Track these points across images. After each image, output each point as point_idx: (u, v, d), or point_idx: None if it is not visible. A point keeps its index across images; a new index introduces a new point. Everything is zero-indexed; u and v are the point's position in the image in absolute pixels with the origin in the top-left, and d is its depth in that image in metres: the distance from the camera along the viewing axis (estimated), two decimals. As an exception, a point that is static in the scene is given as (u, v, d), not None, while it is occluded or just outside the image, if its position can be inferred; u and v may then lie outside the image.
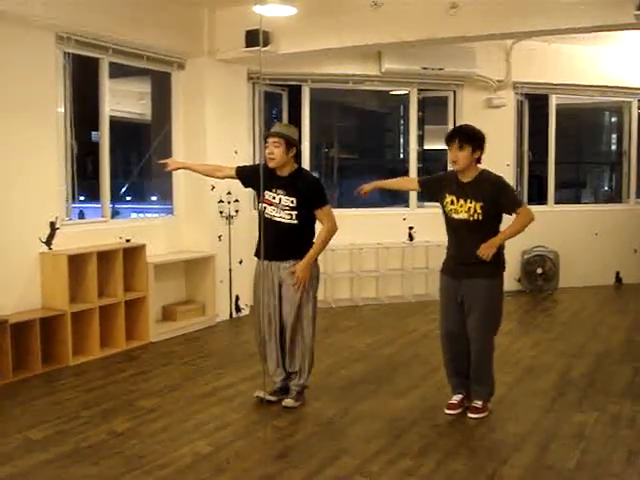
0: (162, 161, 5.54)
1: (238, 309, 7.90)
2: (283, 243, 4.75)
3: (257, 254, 4.93)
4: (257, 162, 8.12)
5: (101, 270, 6.27)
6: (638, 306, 8.65)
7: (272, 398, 4.88)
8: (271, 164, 4.77)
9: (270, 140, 4.77)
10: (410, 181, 4.87)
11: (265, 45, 6.94)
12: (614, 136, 11.12)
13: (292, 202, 4.71)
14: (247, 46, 7.07)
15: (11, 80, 5.78)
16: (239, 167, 5.20)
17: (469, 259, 4.48)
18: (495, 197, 4.44)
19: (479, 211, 4.42)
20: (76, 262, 6.09)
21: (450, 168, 4.73)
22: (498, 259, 4.52)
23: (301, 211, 4.72)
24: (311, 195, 4.76)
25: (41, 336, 5.72)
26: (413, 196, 9.16)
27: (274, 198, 4.77)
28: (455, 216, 4.54)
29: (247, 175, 5.06)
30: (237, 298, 7.85)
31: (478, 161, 4.55)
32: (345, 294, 8.75)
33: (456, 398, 4.76)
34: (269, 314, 4.87)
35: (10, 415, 4.75)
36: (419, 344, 6.72)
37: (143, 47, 6.97)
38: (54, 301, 5.97)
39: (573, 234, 9.57)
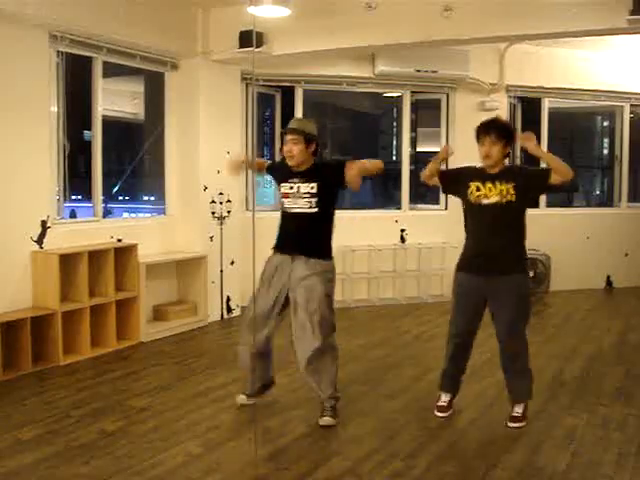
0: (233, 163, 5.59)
1: (229, 310, 7.88)
2: (301, 236, 4.58)
3: (276, 247, 4.71)
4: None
5: (92, 269, 6.25)
6: (629, 309, 8.68)
7: (251, 401, 4.82)
8: (291, 162, 4.60)
9: (288, 137, 4.58)
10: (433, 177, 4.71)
11: (259, 46, 6.93)
12: (606, 140, 11.15)
13: (312, 188, 4.53)
14: (241, 47, 7.07)
15: (3, 79, 5.76)
16: (269, 163, 5.28)
17: (498, 248, 4.39)
18: (527, 177, 4.42)
19: (512, 192, 4.32)
20: (67, 261, 6.06)
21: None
22: (523, 253, 4.52)
23: (322, 197, 4.53)
24: (333, 169, 4.58)
25: (32, 335, 5.69)
26: (405, 198, 9.17)
27: (291, 188, 4.61)
28: (485, 201, 4.39)
29: (273, 168, 5.05)
30: (228, 299, 7.84)
31: (507, 156, 4.49)
32: (337, 296, 8.64)
33: (445, 399, 4.73)
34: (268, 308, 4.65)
35: (0, 414, 4.72)
36: (411, 346, 6.72)
37: (137, 47, 6.95)
38: (45, 300, 5.95)
39: (565, 237, 9.59)
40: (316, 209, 4.54)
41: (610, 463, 3.97)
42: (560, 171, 4.28)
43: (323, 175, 4.56)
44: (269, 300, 4.65)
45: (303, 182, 4.57)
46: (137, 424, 4.56)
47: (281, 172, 4.75)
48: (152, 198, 8.52)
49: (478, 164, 4.53)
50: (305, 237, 4.60)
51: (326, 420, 4.54)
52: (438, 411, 4.70)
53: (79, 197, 7.55)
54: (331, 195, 4.61)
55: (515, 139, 4.58)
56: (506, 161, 4.53)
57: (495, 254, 4.41)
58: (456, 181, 4.62)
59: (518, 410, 4.58)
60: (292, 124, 4.65)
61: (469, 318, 4.58)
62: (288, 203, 4.64)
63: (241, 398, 4.88)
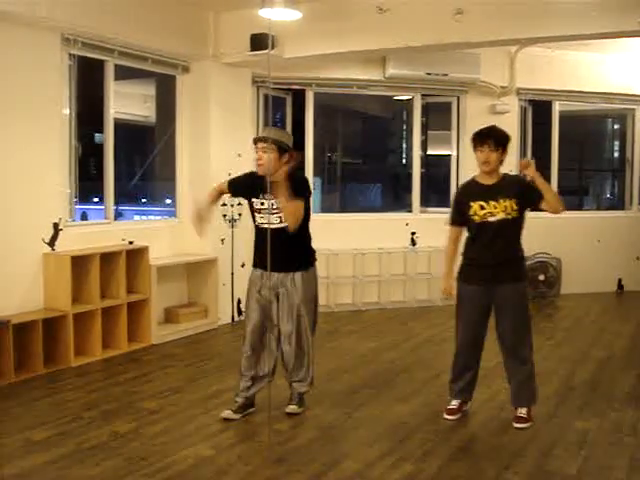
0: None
1: (240, 312, 7.88)
2: (279, 252, 4.41)
3: (255, 264, 4.73)
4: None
5: (104, 272, 6.27)
6: (640, 313, 8.65)
7: (236, 416, 4.66)
8: (260, 171, 4.47)
9: (258, 145, 4.48)
10: (456, 237, 4.75)
11: (270, 49, 6.95)
12: (617, 143, 11.11)
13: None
14: (252, 50, 7.09)
15: (16, 81, 5.79)
16: (229, 180, 4.91)
17: (502, 260, 4.48)
18: (523, 191, 4.45)
19: (515, 207, 4.41)
20: (79, 263, 6.09)
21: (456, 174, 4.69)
22: (523, 263, 4.59)
23: None
24: (295, 188, 4.45)
25: (43, 337, 5.72)
26: (416, 201, 9.16)
27: (262, 204, 4.55)
28: (491, 219, 4.44)
29: (236, 185, 4.83)
30: (239, 301, 7.84)
31: (501, 163, 4.55)
32: (347, 299, 8.74)
33: (455, 403, 4.74)
34: (259, 324, 4.70)
35: (12, 416, 4.75)
36: (421, 349, 6.71)
37: (148, 50, 6.98)
38: (56, 302, 5.98)
39: (575, 241, 9.56)
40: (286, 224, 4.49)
41: (622, 468, 3.95)
42: (551, 204, 4.40)
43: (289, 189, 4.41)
44: (260, 316, 4.70)
45: (273, 198, 4.47)
46: (148, 426, 4.57)
47: (251, 186, 4.61)
48: (163, 200, 8.55)
49: (472, 173, 4.65)
50: (283, 253, 4.52)
51: (292, 408, 4.76)
52: (448, 414, 4.70)
53: (91, 199, 7.58)
54: (307, 209, 4.57)
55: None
56: (501, 168, 4.59)
57: (499, 265, 4.50)
58: (461, 213, 4.63)
59: (522, 411, 4.60)
60: (264, 132, 4.56)
61: (477, 328, 4.62)
62: (260, 219, 4.59)
63: (227, 413, 4.70)
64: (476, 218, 4.51)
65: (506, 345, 4.60)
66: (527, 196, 4.46)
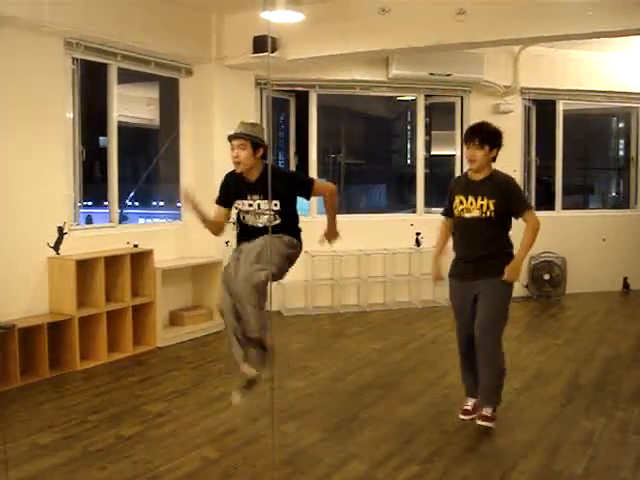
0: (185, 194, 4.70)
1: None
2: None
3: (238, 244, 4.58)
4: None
5: (109, 275, 6.28)
6: (646, 312, 8.63)
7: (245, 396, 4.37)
8: (238, 169, 4.45)
9: (234, 142, 4.43)
10: (447, 228, 4.75)
11: (273, 51, 6.96)
12: (622, 142, 11.09)
13: (275, 205, 4.41)
14: (255, 52, 7.09)
15: (20, 85, 5.81)
16: (218, 200, 4.71)
17: (479, 257, 4.49)
18: (506, 195, 4.44)
19: (492, 208, 4.40)
20: (84, 267, 6.10)
21: (456, 173, 4.69)
22: (508, 259, 4.50)
23: (286, 209, 4.45)
24: (294, 185, 4.50)
25: (49, 341, 5.73)
26: (420, 202, 9.16)
27: (250, 205, 4.48)
28: (467, 215, 4.49)
29: (225, 198, 4.66)
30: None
31: (493, 160, 4.53)
32: (352, 300, 8.73)
33: (470, 403, 4.69)
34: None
35: (18, 420, 4.75)
36: (427, 350, 6.71)
37: (151, 53, 6.99)
38: (62, 306, 5.99)
39: (581, 240, 9.54)
40: (279, 220, 4.46)
41: (629, 467, 3.94)
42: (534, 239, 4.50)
43: (279, 189, 4.33)
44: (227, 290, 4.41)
45: (262, 199, 4.43)
46: (154, 429, 4.57)
47: (235, 187, 4.55)
48: (167, 203, 8.56)
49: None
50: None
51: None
52: (462, 414, 4.68)
53: (95, 203, 7.60)
54: (293, 203, 4.54)
55: (501, 143, 4.54)
56: (492, 165, 4.56)
57: (476, 262, 4.51)
58: (451, 205, 4.66)
59: (487, 410, 4.56)
60: (238, 128, 4.48)
61: (467, 321, 4.60)
62: (248, 219, 4.52)
63: (235, 397, 4.40)
64: (455, 212, 4.58)
65: (475, 341, 4.55)
66: (509, 202, 4.45)
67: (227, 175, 4.67)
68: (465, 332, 4.65)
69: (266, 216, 4.46)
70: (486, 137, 4.46)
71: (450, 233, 4.76)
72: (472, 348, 4.61)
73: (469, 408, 4.69)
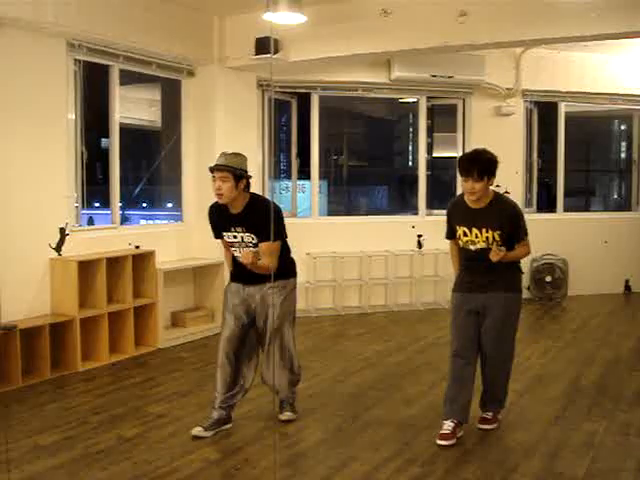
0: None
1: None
2: (254, 273, 4.38)
3: (233, 278, 4.64)
4: (263, 172, 8.23)
5: (110, 276, 6.28)
6: (648, 314, 8.62)
7: (208, 434, 4.43)
8: (221, 200, 4.36)
9: (216, 175, 4.32)
10: (455, 244, 4.68)
11: (275, 52, 6.96)
12: (623, 144, 11.10)
13: (252, 239, 4.38)
14: (257, 53, 7.10)
15: (22, 87, 5.81)
16: (213, 232, 4.68)
17: (487, 281, 4.40)
18: (508, 225, 4.33)
19: (497, 239, 4.29)
20: (86, 268, 6.10)
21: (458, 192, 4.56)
22: (514, 274, 4.47)
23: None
24: (262, 226, 4.30)
25: (50, 342, 5.73)
26: (422, 204, 9.15)
27: (235, 237, 4.44)
28: (472, 247, 4.39)
29: (215, 231, 4.63)
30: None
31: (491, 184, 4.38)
32: (354, 301, 8.74)
33: (448, 427, 4.40)
34: (235, 334, 4.62)
35: (19, 420, 4.75)
36: (428, 351, 6.71)
37: (153, 54, 7.00)
38: (63, 307, 5.99)
39: (582, 242, 9.53)
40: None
41: (630, 470, 3.93)
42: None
43: (254, 225, 4.34)
44: (235, 327, 4.60)
45: (244, 231, 4.39)
46: (155, 430, 4.57)
47: (218, 219, 4.53)
48: (169, 205, 8.57)
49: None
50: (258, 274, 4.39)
51: (288, 415, 4.70)
52: (441, 439, 4.31)
53: (97, 204, 7.60)
54: (281, 231, 4.47)
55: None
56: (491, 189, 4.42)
57: (485, 275, 4.41)
58: (453, 230, 4.56)
59: (489, 412, 4.56)
60: (219, 159, 4.39)
61: (468, 335, 4.51)
62: (235, 251, 4.49)
63: (197, 430, 4.46)
64: (461, 243, 4.47)
65: (484, 353, 4.50)
66: (511, 232, 4.35)
67: (211, 207, 4.60)
68: (460, 346, 4.51)
69: (249, 248, 4.38)
70: (485, 168, 4.25)
71: (459, 249, 4.62)
72: (465, 362, 4.49)
73: (448, 432, 4.34)
